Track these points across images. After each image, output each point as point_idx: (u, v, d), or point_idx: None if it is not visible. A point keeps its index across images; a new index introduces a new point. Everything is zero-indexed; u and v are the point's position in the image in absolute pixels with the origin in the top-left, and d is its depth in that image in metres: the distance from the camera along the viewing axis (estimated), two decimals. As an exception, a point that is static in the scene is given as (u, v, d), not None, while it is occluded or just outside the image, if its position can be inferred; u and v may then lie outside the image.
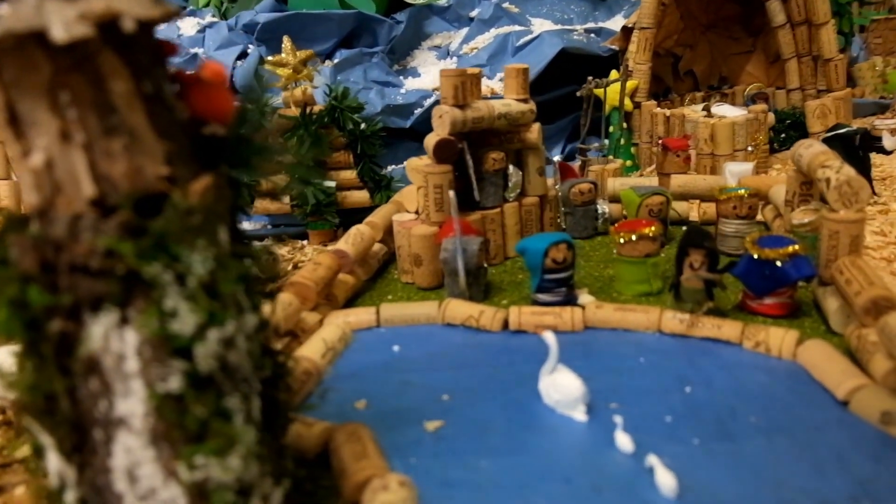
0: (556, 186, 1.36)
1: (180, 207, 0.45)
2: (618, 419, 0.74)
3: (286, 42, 1.54)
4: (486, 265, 1.14)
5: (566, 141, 2.07)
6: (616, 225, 1.10)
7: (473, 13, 2.08)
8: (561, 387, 0.77)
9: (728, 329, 0.90)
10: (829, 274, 0.94)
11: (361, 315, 1.05)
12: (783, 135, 2.00)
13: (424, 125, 1.59)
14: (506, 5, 2.09)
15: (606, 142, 1.84)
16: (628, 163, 1.95)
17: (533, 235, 1.07)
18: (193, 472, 0.47)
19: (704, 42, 2.24)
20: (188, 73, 0.52)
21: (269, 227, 1.70)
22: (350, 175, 1.59)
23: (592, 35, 2.09)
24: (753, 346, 0.88)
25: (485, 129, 1.22)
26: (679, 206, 1.41)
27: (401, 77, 1.90)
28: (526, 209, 1.30)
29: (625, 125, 1.95)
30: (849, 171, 0.92)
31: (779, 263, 0.93)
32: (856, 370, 0.78)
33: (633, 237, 1.05)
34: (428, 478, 0.66)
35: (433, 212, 1.16)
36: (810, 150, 1.07)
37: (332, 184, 1.56)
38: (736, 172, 1.54)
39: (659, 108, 1.92)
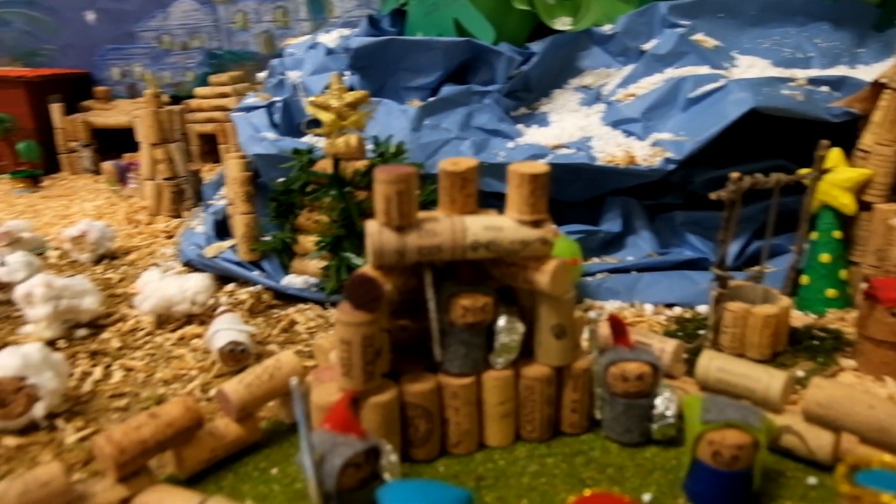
0: (592, 355, 0.86)
1: None
2: None
3: (333, 80, 1.25)
4: (381, 476, 0.73)
5: (750, 236, 1.44)
6: None
7: (648, 45, 1.53)
8: None
9: None
10: None
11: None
12: None
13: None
14: (697, 37, 1.50)
15: (792, 256, 1.21)
16: (831, 292, 1.27)
17: (415, 482, 0.63)
18: None
19: None
20: None
21: (314, 289, 1.44)
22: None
23: (824, 88, 1.40)
24: None
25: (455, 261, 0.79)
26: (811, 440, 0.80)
27: (520, 125, 1.47)
28: (527, 384, 0.84)
29: (837, 233, 1.27)
30: None
31: None
32: None
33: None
34: None
35: (341, 377, 0.78)
36: None
37: (360, 261, 1.25)
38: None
39: (899, 220, 1.20)
